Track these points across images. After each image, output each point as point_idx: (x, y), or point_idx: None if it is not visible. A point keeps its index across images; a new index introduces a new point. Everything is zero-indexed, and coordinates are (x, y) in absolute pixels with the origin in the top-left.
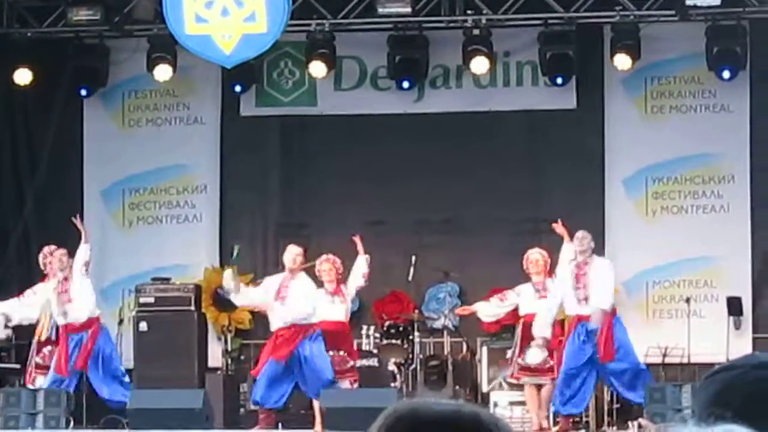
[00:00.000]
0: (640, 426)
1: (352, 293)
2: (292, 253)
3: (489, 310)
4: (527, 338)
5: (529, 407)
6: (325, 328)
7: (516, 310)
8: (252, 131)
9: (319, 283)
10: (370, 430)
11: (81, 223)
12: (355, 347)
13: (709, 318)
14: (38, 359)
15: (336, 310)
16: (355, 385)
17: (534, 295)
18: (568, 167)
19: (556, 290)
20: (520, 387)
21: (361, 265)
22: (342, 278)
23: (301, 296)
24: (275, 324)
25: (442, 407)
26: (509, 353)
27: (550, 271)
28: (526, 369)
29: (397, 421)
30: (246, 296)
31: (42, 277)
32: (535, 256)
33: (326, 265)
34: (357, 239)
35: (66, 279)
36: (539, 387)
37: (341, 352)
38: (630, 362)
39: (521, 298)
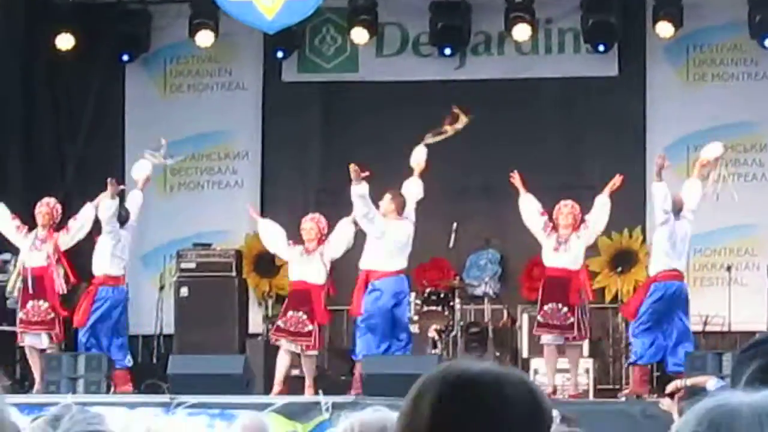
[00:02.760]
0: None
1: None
2: (383, 204)
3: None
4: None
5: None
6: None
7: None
8: (293, 97)
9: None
10: (414, 389)
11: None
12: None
13: (750, 286)
14: (22, 314)
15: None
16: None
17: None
18: (609, 135)
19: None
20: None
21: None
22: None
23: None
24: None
25: (490, 369)
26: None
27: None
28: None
29: (450, 381)
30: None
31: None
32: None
33: (309, 223)
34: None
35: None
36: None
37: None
38: None
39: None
